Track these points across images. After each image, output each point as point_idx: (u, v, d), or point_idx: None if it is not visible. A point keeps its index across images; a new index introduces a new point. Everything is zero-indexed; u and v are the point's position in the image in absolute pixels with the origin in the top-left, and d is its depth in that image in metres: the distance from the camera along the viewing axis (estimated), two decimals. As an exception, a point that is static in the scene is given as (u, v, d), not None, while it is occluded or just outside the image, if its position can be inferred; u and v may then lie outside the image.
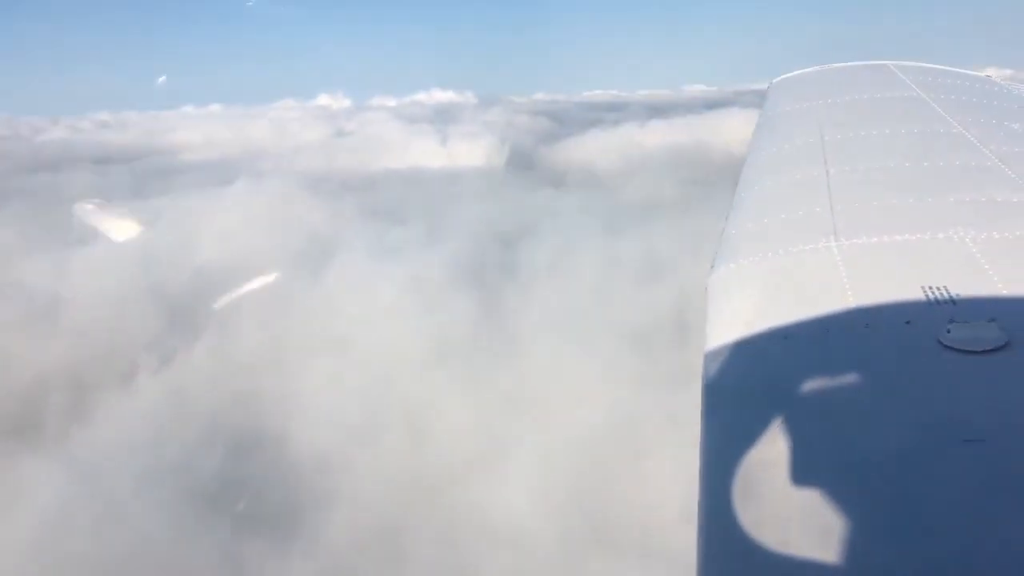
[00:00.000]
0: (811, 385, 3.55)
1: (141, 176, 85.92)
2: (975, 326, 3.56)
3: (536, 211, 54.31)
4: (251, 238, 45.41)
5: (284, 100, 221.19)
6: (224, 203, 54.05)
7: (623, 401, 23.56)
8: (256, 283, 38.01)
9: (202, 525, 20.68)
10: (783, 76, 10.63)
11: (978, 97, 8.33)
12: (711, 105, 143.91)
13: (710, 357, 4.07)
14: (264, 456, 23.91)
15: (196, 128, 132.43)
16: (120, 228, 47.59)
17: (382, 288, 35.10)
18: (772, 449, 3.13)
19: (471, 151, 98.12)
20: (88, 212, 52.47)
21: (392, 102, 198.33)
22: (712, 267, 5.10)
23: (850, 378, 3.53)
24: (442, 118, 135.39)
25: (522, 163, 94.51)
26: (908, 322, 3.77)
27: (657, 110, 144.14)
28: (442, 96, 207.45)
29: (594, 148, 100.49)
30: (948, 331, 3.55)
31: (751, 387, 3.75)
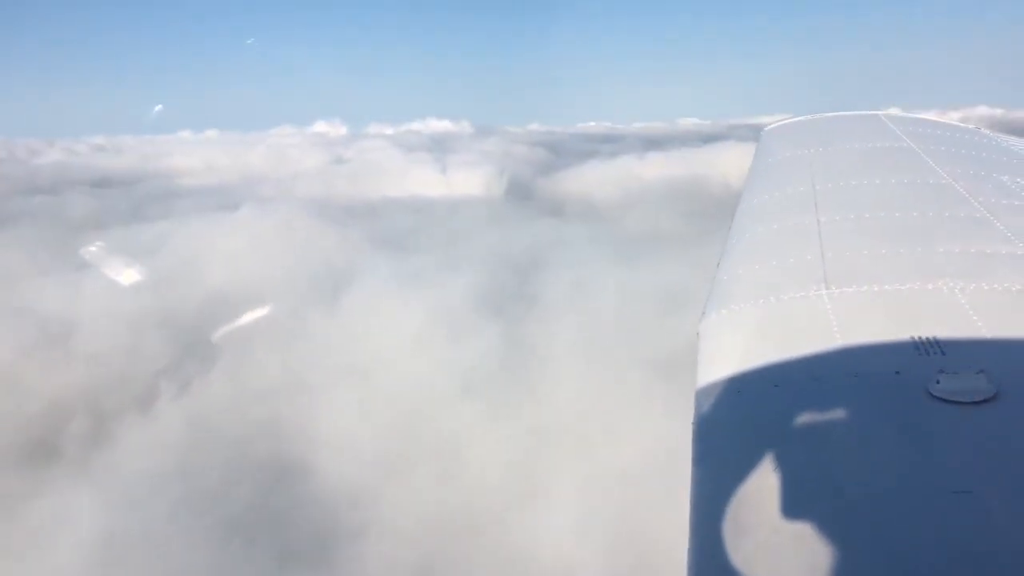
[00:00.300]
0: (800, 432, 3.56)
1: (140, 200, 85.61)
2: (964, 377, 3.56)
3: (544, 242, 54.30)
4: (261, 264, 45.12)
5: (281, 126, 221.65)
6: (231, 228, 53.81)
7: (657, 432, 23.25)
8: (270, 310, 37.64)
9: (236, 556, 20.18)
10: (775, 124, 10.80)
11: (968, 148, 8.41)
12: (706, 138, 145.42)
13: (701, 402, 4.08)
14: (293, 487, 23.42)
15: (194, 153, 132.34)
16: (125, 269, 46.97)
17: (400, 317, 34.78)
18: (761, 495, 3.13)
19: (470, 180, 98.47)
20: (94, 254, 51.98)
21: (389, 130, 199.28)
22: (704, 312, 5.12)
23: (839, 426, 3.53)
24: (439, 147, 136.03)
25: (521, 193, 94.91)
26: (897, 372, 3.77)
27: (653, 142, 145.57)
28: (438, 125, 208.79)
29: (593, 179, 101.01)
30: (937, 382, 3.55)
31: (741, 433, 3.76)
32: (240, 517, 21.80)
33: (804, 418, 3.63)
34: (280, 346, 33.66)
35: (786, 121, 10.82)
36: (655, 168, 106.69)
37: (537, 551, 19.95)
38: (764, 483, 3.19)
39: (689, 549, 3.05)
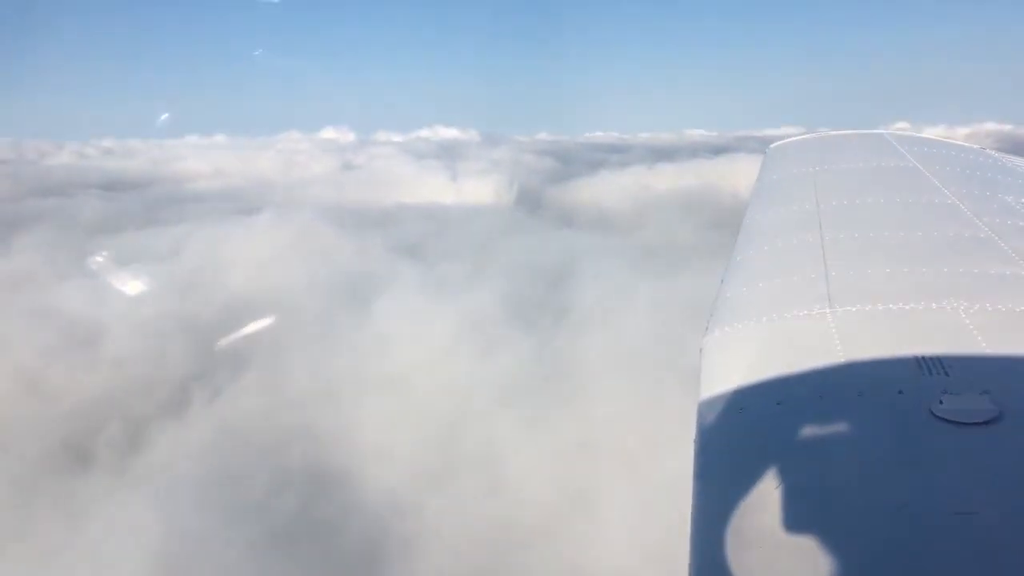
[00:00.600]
0: (803, 451, 3.57)
1: (152, 204, 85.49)
2: (967, 398, 3.56)
3: (564, 252, 53.93)
4: (284, 269, 44.90)
5: (289, 132, 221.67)
6: (251, 233, 53.55)
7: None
8: (297, 316, 37.39)
9: (283, 566, 19.85)
10: (780, 142, 10.76)
11: (973, 168, 8.42)
12: (715, 150, 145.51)
13: (703, 419, 4.09)
14: (336, 496, 23.07)
15: (203, 158, 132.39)
16: (146, 274, 46.59)
17: (430, 326, 34.50)
18: (762, 513, 3.12)
19: (481, 188, 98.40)
20: (114, 258, 51.77)
21: (398, 137, 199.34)
22: (707, 329, 5.13)
23: (841, 445, 3.54)
24: (449, 154, 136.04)
25: (531, 202, 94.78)
26: (900, 391, 3.76)
27: (662, 153, 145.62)
28: (447, 133, 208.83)
29: (604, 189, 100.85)
30: (940, 402, 3.54)
31: (743, 452, 3.76)
32: (285, 526, 21.44)
33: (806, 436, 3.64)
34: (310, 353, 33.38)
35: (791, 139, 10.83)
36: (666, 179, 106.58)
37: (587, 565, 19.63)
38: (765, 501, 3.19)
39: (690, 566, 3.05)
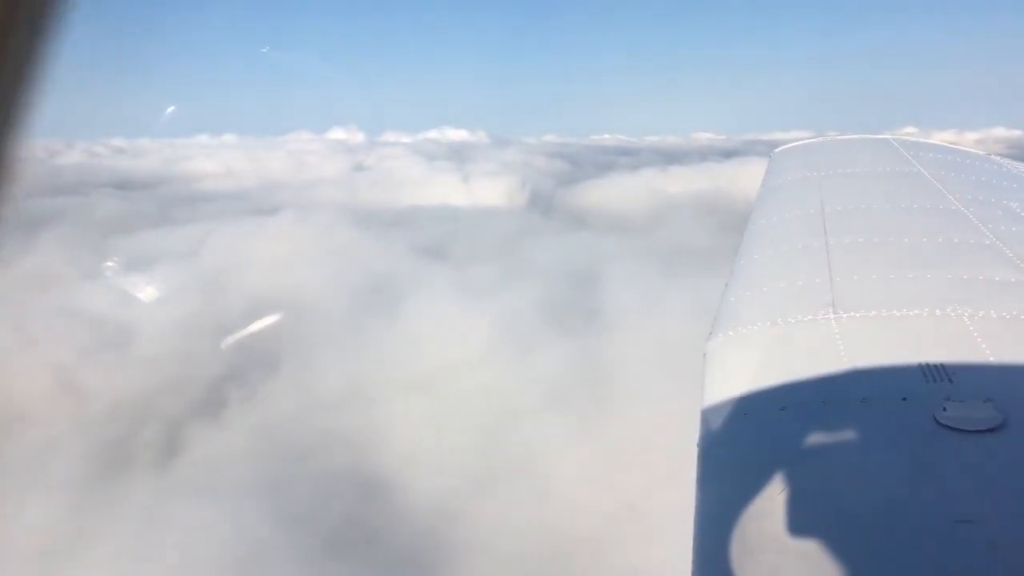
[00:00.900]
0: (806, 457, 3.56)
1: (165, 203, 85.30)
2: (971, 406, 3.55)
3: (585, 254, 53.67)
4: (309, 270, 44.58)
5: (298, 132, 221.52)
6: (272, 233, 53.31)
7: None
8: (326, 317, 37.14)
9: (331, 573, 19.56)
10: (786, 146, 10.71)
11: (978, 175, 8.38)
12: (726, 153, 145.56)
13: (706, 424, 4.09)
14: (380, 501, 22.74)
15: (213, 157, 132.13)
16: (169, 273, 46.22)
17: (462, 328, 34.18)
18: (765, 518, 3.10)
19: (492, 190, 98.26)
20: (125, 264, 51.55)
21: (406, 138, 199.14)
22: (711, 333, 5.14)
23: (844, 451, 3.54)
24: (458, 156, 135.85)
25: (543, 204, 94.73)
26: (904, 398, 3.75)
27: (671, 156, 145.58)
28: (455, 134, 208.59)
29: (617, 192, 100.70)
30: (944, 409, 3.54)
31: (746, 456, 3.75)
32: (332, 532, 21.13)
33: (809, 442, 3.62)
34: (342, 354, 33.11)
35: (796, 143, 10.77)
36: (679, 182, 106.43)
37: (646, 573, 19.32)
38: (768, 506, 3.17)
39: (693, 572, 3.03)
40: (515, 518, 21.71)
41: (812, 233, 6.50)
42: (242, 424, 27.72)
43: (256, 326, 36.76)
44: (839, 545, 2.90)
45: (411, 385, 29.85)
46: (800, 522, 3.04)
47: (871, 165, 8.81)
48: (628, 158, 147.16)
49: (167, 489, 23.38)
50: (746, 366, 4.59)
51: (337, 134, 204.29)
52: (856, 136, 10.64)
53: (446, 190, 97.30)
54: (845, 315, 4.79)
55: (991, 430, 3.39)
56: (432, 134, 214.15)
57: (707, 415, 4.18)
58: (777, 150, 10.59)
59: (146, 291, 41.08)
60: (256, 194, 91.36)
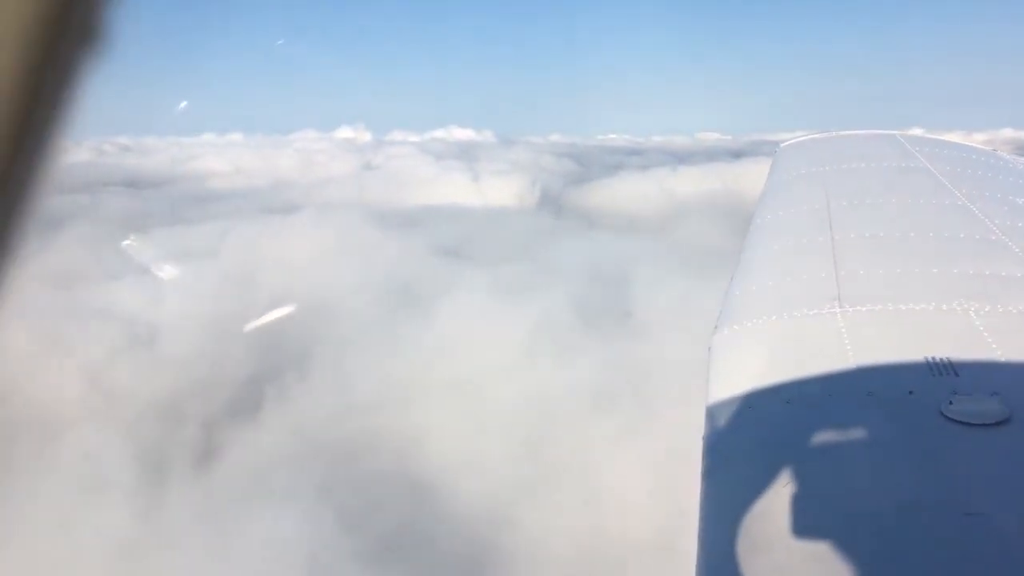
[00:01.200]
0: (812, 451, 3.53)
1: (177, 202, 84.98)
2: (978, 400, 3.54)
3: (609, 254, 53.30)
4: (332, 269, 44.15)
5: (304, 130, 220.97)
6: (291, 232, 52.85)
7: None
8: (356, 317, 36.71)
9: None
10: (791, 140, 10.65)
11: (984, 170, 8.39)
12: (733, 153, 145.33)
13: (712, 417, 4.06)
14: (427, 505, 22.33)
15: (221, 156, 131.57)
16: (191, 271, 45.78)
17: (496, 329, 33.71)
18: (771, 512, 3.08)
19: (503, 190, 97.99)
20: (136, 247, 51.18)
21: (414, 137, 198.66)
22: (716, 327, 5.10)
23: (851, 445, 3.51)
24: (467, 155, 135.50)
25: (554, 204, 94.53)
26: (911, 392, 3.74)
27: (679, 156, 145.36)
28: (462, 134, 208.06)
29: (629, 192, 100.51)
30: (951, 403, 3.52)
31: (752, 450, 3.73)
32: (380, 536, 20.74)
33: (816, 435, 3.60)
34: (375, 355, 32.67)
35: (802, 138, 10.71)
36: (690, 182, 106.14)
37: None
38: (774, 499, 3.15)
39: (698, 564, 3.01)
40: (565, 521, 21.29)
41: (818, 228, 6.46)
42: (281, 425, 27.31)
43: (284, 324, 36.36)
44: (846, 538, 2.88)
45: (448, 386, 29.43)
46: (806, 516, 3.02)
47: (877, 160, 8.75)
48: (636, 158, 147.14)
49: (216, 492, 22.94)
50: (752, 360, 4.55)
51: (344, 133, 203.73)
52: (862, 132, 10.54)
53: (457, 189, 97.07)
54: (851, 309, 4.76)
55: (997, 424, 3.37)
56: (439, 133, 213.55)
57: (712, 409, 4.14)
58: (783, 145, 10.52)
59: (172, 290, 40.69)
60: (267, 193, 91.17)
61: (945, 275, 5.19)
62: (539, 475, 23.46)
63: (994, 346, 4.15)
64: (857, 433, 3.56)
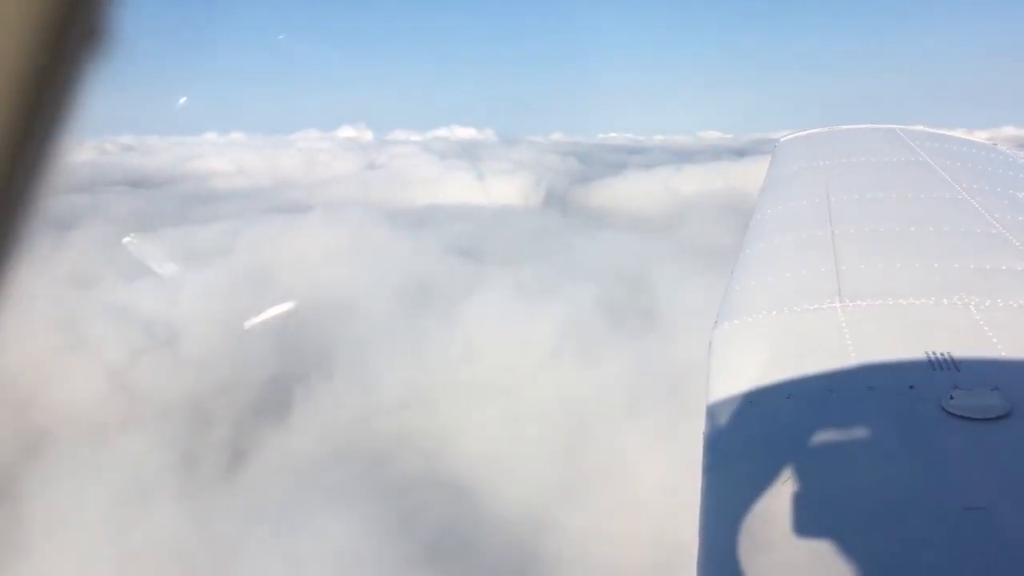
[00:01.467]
0: (813, 446, 3.50)
1: (183, 201, 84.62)
2: (978, 394, 3.53)
3: (622, 254, 53.03)
4: (348, 269, 43.80)
5: (306, 130, 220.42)
6: (305, 231, 52.56)
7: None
8: (377, 317, 36.42)
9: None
10: (791, 135, 10.62)
11: (984, 164, 8.37)
12: (735, 152, 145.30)
13: (712, 412, 4.05)
14: (464, 508, 22.00)
15: (224, 155, 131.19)
16: (207, 272, 45.39)
17: (523, 329, 33.39)
18: (772, 507, 3.06)
19: (508, 189, 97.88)
20: (136, 245, 50.90)
21: (416, 136, 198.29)
22: (716, 322, 5.07)
23: (853, 441, 3.49)
24: (469, 154, 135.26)
25: (560, 203, 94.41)
26: (912, 387, 3.72)
27: (681, 155, 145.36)
28: (463, 133, 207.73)
29: (633, 191, 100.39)
30: (951, 398, 3.52)
31: (753, 445, 3.73)
32: (423, 539, 20.37)
33: (817, 431, 3.57)
34: (398, 356, 32.34)
35: (802, 133, 10.69)
36: (695, 181, 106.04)
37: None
38: (775, 495, 3.13)
39: (699, 559, 3.01)
40: (607, 525, 20.97)
41: (818, 222, 6.44)
42: (312, 427, 26.98)
43: (306, 324, 36.11)
44: (846, 533, 2.87)
45: (476, 387, 29.12)
46: (807, 511, 3.01)
47: (877, 155, 8.74)
48: (639, 157, 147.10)
49: (254, 494, 22.63)
50: (752, 355, 4.51)
51: (346, 132, 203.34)
52: (862, 126, 10.49)
53: (462, 189, 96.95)
54: (851, 304, 4.74)
55: (998, 418, 3.36)
56: (441, 132, 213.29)
57: (713, 404, 4.11)
58: (782, 139, 10.49)
59: (189, 290, 40.42)
60: (272, 192, 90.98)
61: (945, 269, 5.17)
62: (579, 477, 23.14)
63: (995, 340, 4.13)
64: (858, 428, 3.53)
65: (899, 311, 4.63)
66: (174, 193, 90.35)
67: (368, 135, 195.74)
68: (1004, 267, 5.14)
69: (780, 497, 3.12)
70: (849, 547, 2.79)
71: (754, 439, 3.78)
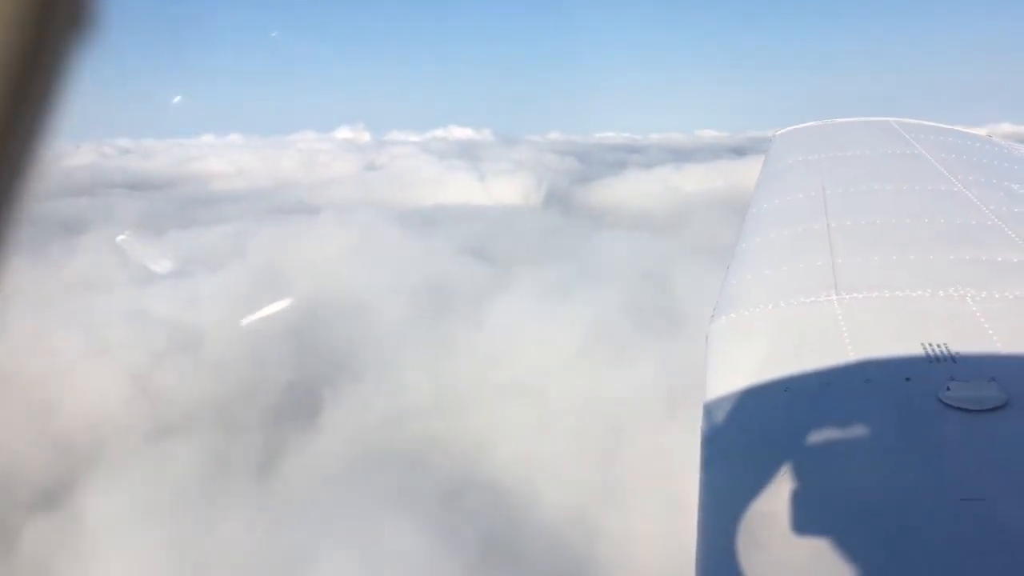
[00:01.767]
0: (811, 439, 3.50)
1: (185, 204, 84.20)
2: (975, 385, 3.55)
3: (638, 253, 52.85)
4: (364, 270, 43.59)
5: (303, 131, 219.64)
6: (317, 233, 52.30)
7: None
8: (399, 319, 36.25)
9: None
10: (786, 129, 10.66)
11: (979, 156, 8.41)
12: (733, 150, 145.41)
13: (709, 406, 4.07)
14: (507, 513, 21.77)
15: (223, 157, 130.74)
16: (219, 274, 45.08)
17: (546, 331, 33.21)
18: (770, 502, 3.06)
19: (510, 189, 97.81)
20: (132, 244, 50.62)
21: (414, 137, 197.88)
22: (713, 316, 5.09)
23: (850, 433, 3.49)
24: (468, 155, 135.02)
25: (562, 202, 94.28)
26: (908, 379, 3.74)
27: (680, 154, 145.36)
28: (461, 133, 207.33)
29: (635, 190, 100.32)
30: (948, 389, 3.53)
31: (749, 438, 3.74)
32: (467, 548, 20.20)
33: (813, 423, 3.58)
34: (424, 358, 32.15)
35: (797, 126, 10.69)
36: (696, 180, 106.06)
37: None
38: (772, 488, 3.12)
39: (698, 552, 3.01)
40: (653, 529, 20.82)
41: (814, 215, 6.45)
42: (343, 429, 26.73)
43: (325, 329, 35.92)
44: (843, 525, 2.88)
45: (504, 388, 28.95)
46: (805, 504, 3.00)
47: (872, 147, 8.74)
48: (638, 156, 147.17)
49: (289, 498, 22.42)
50: (749, 348, 4.51)
51: (344, 133, 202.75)
52: (857, 119, 10.53)
53: (464, 189, 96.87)
54: (848, 297, 4.75)
55: (995, 409, 3.37)
56: (438, 132, 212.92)
57: (710, 397, 4.11)
58: (778, 133, 10.51)
59: (205, 293, 40.16)
60: (273, 194, 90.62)
61: (941, 261, 5.18)
62: (620, 481, 22.92)
63: (990, 332, 4.14)
64: (855, 420, 3.53)
65: (895, 303, 4.65)
66: (175, 195, 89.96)
67: (366, 136, 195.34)
68: (1000, 259, 5.16)
69: (778, 490, 3.12)
70: (847, 539, 2.80)
71: (751, 432, 3.79)
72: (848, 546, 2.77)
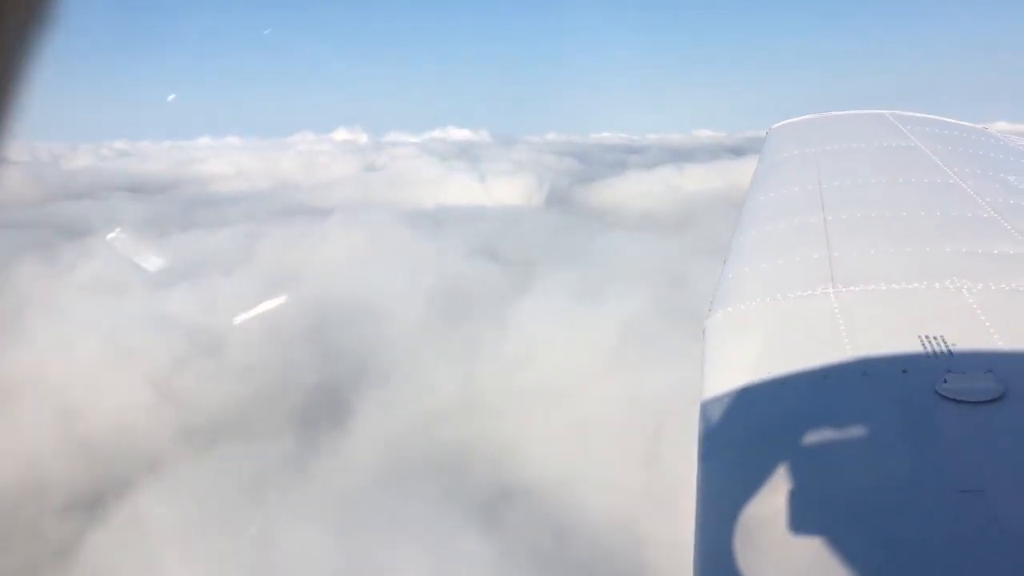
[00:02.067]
0: (809, 433, 3.52)
1: (186, 206, 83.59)
2: (972, 377, 3.56)
3: (647, 254, 52.64)
4: (381, 272, 43.23)
5: (301, 133, 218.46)
6: (328, 235, 51.90)
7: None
8: (418, 322, 35.90)
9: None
10: (782, 122, 10.66)
11: (975, 148, 8.39)
12: (731, 150, 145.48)
13: (707, 401, 4.05)
14: (551, 519, 21.41)
15: (222, 159, 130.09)
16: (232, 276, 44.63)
17: (569, 333, 32.87)
18: (769, 497, 3.07)
19: (511, 189, 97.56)
20: (123, 242, 50.18)
21: (413, 138, 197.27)
22: (709, 311, 5.07)
23: (847, 427, 3.50)
24: (468, 155, 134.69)
25: (564, 203, 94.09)
26: (905, 371, 3.74)
27: (679, 154, 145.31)
28: (459, 134, 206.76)
29: (636, 190, 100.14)
30: (945, 381, 3.54)
31: (746, 432, 3.74)
32: (515, 555, 19.85)
33: (811, 417, 3.59)
34: (449, 360, 31.79)
35: (793, 119, 10.71)
36: (697, 180, 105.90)
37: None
38: (771, 481, 3.13)
39: (695, 547, 3.00)
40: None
41: (810, 208, 6.46)
42: (376, 433, 26.30)
43: (345, 331, 35.54)
44: (841, 519, 2.88)
45: (533, 391, 28.60)
46: (803, 497, 3.00)
47: (868, 140, 8.77)
48: (637, 156, 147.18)
49: (332, 503, 22.02)
50: (746, 342, 4.52)
51: (342, 135, 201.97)
52: (853, 111, 10.54)
53: (466, 190, 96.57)
54: (844, 290, 4.75)
55: (992, 401, 3.38)
56: (436, 133, 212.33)
57: (707, 392, 4.11)
58: (774, 127, 10.50)
59: (220, 296, 39.74)
60: (274, 196, 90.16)
61: (938, 253, 5.18)
62: (660, 485, 22.58)
63: (987, 324, 4.15)
64: (852, 413, 3.54)
65: (892, 296, 4.64)
66: (176, 197, 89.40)
67: (364, 137, 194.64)
68: (996, 250, 5.14)
69: (777, 484, 3.12)
70: (846, 532, 2.80)
71: (749, 426, 3.78)
72: (847, 539, 2.77)
